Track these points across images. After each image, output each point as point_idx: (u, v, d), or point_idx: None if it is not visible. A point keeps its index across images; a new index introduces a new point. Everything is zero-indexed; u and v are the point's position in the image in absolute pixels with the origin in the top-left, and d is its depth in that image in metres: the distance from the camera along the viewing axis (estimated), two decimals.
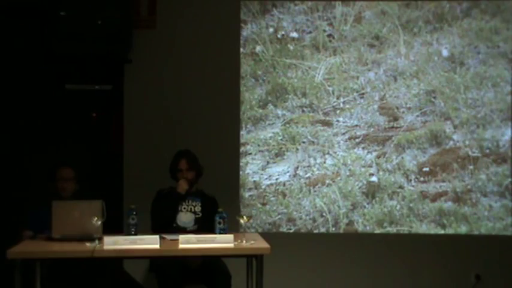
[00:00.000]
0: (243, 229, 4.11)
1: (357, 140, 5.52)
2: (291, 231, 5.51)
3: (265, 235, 4.34)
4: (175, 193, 4.58)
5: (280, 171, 5.51)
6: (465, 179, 5.49)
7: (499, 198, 5.49)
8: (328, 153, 5.52)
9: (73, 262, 4.08)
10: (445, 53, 5.53)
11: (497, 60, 5.52)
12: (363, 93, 5.53)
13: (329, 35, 5.54)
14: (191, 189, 4.63)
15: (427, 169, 5.51)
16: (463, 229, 5.49)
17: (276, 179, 5.51)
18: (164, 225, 4.48)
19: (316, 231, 5.50)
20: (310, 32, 5.54)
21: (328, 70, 5.53)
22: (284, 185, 5.51)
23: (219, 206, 4.29)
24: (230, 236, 3.97)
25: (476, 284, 5.45)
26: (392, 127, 5.52)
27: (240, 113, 5.50)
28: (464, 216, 5.49)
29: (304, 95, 5.52)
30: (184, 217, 4.60)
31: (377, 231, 5.50)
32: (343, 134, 5.52)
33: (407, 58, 5.53)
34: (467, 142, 5.50)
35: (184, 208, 4.62)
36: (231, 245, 3.92)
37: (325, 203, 5.50)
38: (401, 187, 5.50)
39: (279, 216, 5.51)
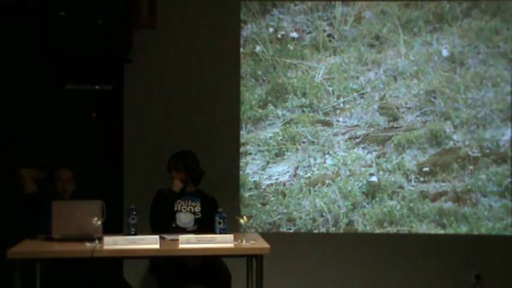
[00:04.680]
0: (243, 229, 4.11)
1: (357, 140, 5.52)
2: (291, 231, 5.51)
3: (265, 235, 4.34)
4: (171, 192, 4.59)
5: (280, 171, 5.51)
6: (465, 179, 5.49)
7: (499, 198, 5.50)
8: (328, 153, 5.52)
9: (73, 262, 4.08)
10: (445, 53, 5.53)
11: (497, 60, 5.52)
12: (363, 93, 5.53)
13: (329, 35, 5.54)
14: (186, 189, 4.63)
15: (427, 169, 5.51)
16: (463, 229, 5.49)
17: (276, 179, 5.51)
18: (162, 225, 4.49)
19: (316, 231, 5.50)
20: (310, 32, 5.54)
21: (328, 70, 5.53)
22: (284, 185, 5.51)
23: (219, 206, 4.29)
24: (230, 236, 3.97)
25: (476, 284, 5.45)
26: (392, 127, 5.52)
27: (240, 113, 5.50)
28: (464, 216, 5.49)
29: (304, 95, 5.52)
30: (184, 217, 4.61)
31: (377, 231, 5.50)
32: (343, 134, 5.52)
33: (407, 58, 5.53)
34: (467, 142, 5.51)
35: (184, 208, 4.62)
36: (231, 245, 3.92)
37: (325, 203, 5.50)
38: (401, 187, 5.50)
39: (279, 216, 5.51)
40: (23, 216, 4.54)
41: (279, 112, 5.53)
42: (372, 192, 5.50)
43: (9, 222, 5.03)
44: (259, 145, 5.52)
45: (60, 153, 5.17)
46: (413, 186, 5.50)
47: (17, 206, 4.72)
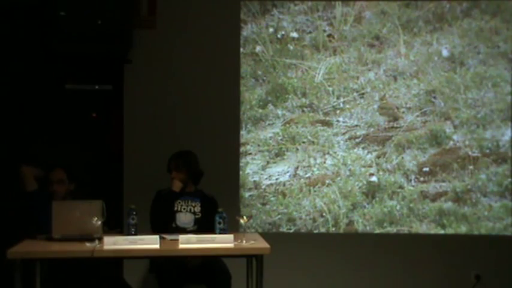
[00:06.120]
0: (243, 229, 4.11)
1: (357, 140, 5.52)
2: (291, 231, 5.51)
3: (265, 235, 4.34)
4: (171, 192, 4.59)
5: (280, 171, 5.51)
6: (465, 179, 5.49)
7: (499, 198, 5.49)
8: (328, 153, 5.52)
9: (73, 263, 4.08)
10: (445, 53, 5.53)
11: (497, 60, 5.52)
12: (363, 93, 5.53)
13: (329, 35, 5.54)
14: (186, 189, 4.63)
15: (427, 169, 5.51)
16: (463, 229, 5.49)
17: (276, 179, 5.51)
18: (162, 225, 4.49)
19: (316, 231, 5.50)
20: (310, 32, 5.54)
21: (328, 70, 5.53)
22: (284, 185, 5.51)
23: (219, 206, 4.29)
24: (230, 236, 3.97)
25: (476, 284, 5.45)
26: (392, 127, 5.52)
27: (240, 113, 5.50)
28: (464, 216, 5.49)
29: (304, 95, 5.52)
30: (184, 217, 4.61)
31: (377, 231, 5.50)
32: (343, 134, 5.52)
33: (407, 58, 5.53)
34: (467, 142, 5.50)
35: (184, 208, 4.63)
36: (231, 245, 3.92)
37: (325, 203, 5.50)
38: (401, 187, 5.50)
39: (279, 216, 5.51)
40: (24, 214, 4.55)
41: (279, 112, 5.53)
42: (372, 192, 5.50)
43: (9, 222, 5.03)
44: (259, 145, 5.52)
45: (59, 153, 5.17)
46: (413, 186, 5.50)
47: (17, 203, 4.73)
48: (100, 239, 3.83)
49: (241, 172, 5.49)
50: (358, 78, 5.53)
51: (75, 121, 5.36)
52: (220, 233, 4.07)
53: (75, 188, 4.52)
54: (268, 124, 5.53)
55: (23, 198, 4.49)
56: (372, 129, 5.52)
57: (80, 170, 4.64)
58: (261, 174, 5.51)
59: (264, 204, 5.51)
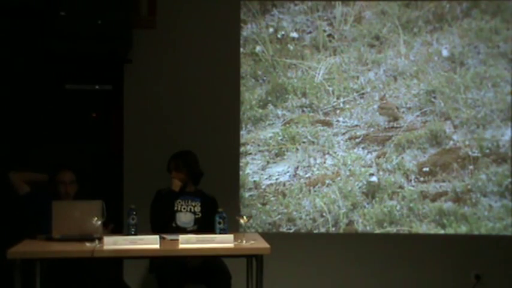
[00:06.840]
0: (243, 229, 4.11)
1: (357, 140, 5.52)
2: (291, 231, 5.51)
3: (265, 235, 4.34)
4: (171, 192, 4.59)
5: (280, 171, 5.51)
6: (465, 179, 5.49)
7: (499, 198, 5.50)
8: (328, 153, 5.52)
9: (73, 262, 4.08)
10: (445, 53, 5.53)
11: (497, 60, 5.52)
12: (363, 93, 5.53)
13: (329, 35, 5.54)
14: (186, 188, 4.63)
15: (427, 169, 5.51)
16: (463, 229, 5.49)
17: (276, 179, 5.51)
18: (163, 224, 4.49)
19: (316, 231, 5.50)
20: (310, 32, 5.54)
21: (328, 70, 5.53)
22: (284, 185, 5.51)
23: (219, 206, 4.29)
24: (230, 236, 3.97)
25: (476, 284, 5.45)
26: (392, 127, 5.52)
27: (240, 113, 5.50)
28: (464, 216, 5.49)
29: (304, 95, 5.53)
30: (184, 217, 4.61)
31: (377, 231, 5.50)
32: (343, 134, 5.52)
33: (407, 58, 5.53)
34: (467, 142, 5.51)
35: (184, 208, 4.63)
36: (231, 245, 3.92)
37: (325, 203, 5.50)
38: (401, 187, 5.50)
39: (279, 216, 5.51)
40: (20, 217, 4.55)
41: (279, 112, 5.53)
42: (372, 192, 5.50)
43: (9, 223, 5.03)
44: (259, 145, 5.52)
45: (60, 153, 5.17)
46: (413, 186, 5.50)
47: (14, 207, 4.73)
48: (100, 239, 3.82)
49: (241, 172, 5.49)
50: (358, 78, 5.53)
51: (75, 121, 5.36)
52: (220, 233, 4.07)
53: (78, 190, 4.54)
54: (268, 124, 5.53)
55: (18, 202, 4.49)
56: (372, 129, 5.52)
57: (81, 170, 4.64)
58: (261, 174, 5.51)
59: (264, 204, 5.51)
